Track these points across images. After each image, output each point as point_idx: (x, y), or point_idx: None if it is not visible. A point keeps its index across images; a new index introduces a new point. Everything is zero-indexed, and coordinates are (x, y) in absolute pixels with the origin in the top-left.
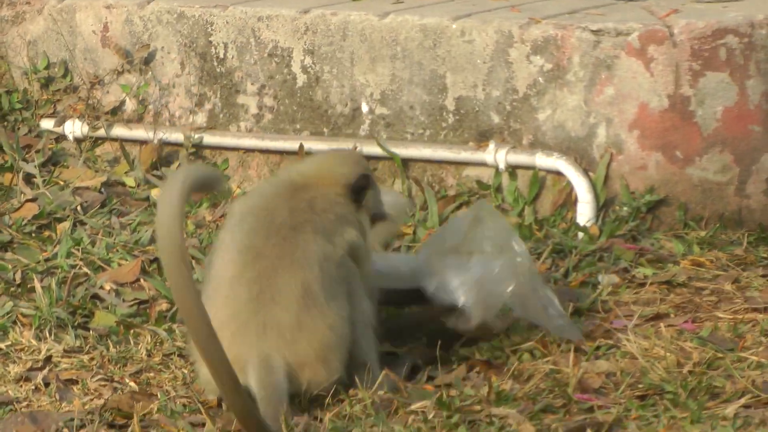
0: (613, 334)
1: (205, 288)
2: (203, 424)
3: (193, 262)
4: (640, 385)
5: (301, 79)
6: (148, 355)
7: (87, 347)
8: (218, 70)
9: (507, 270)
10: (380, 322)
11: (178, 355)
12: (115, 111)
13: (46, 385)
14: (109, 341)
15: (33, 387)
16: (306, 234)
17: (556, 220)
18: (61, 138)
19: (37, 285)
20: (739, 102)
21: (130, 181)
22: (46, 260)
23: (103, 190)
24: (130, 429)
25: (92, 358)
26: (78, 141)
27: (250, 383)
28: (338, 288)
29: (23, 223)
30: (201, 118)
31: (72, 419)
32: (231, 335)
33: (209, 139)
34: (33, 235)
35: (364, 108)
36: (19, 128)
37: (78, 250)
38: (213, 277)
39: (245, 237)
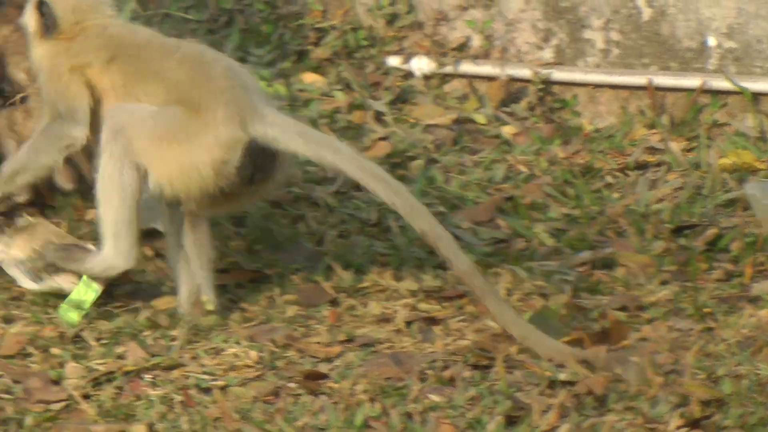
0: None
1: None
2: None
3: (549, 198)
4: None
5: (647, 13)
6: (508, 294)
7: (447, 287)
8: (563, 4)
9: None
10: None
11: (539, 294)
12: (462, 47)
13: (408, 325)
14: None
15: (394, 328)
16: None
17: None
18: (408, 75)
19: (394, 223)
20: None
21: (480, 118)
22: None
23: (453, 127)
24: (493, 369)
25: (452, 298)
26: (425, 78)
27: None
28: None
29: (376, 161)
30: (547, 54)
31: (435, 360)
32: None
33: (557, 75)
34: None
35: (711, 42)
36: (366, 66)
37: (432, 188)
38: None
39: None
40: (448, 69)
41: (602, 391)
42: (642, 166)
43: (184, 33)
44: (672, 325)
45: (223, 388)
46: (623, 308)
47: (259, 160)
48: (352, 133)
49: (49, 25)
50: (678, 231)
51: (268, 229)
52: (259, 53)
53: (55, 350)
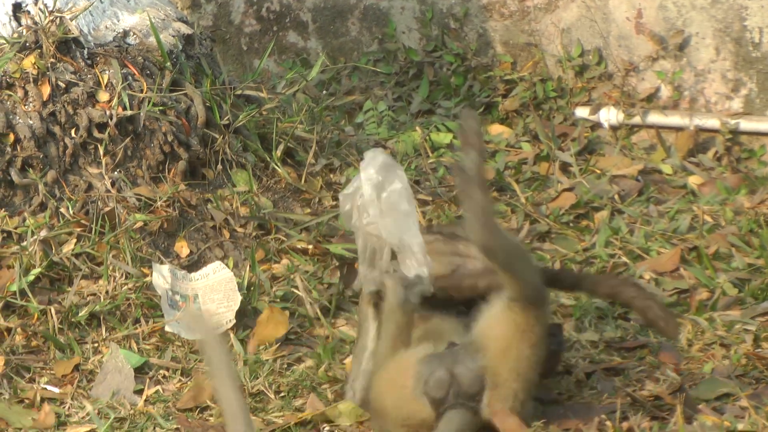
0: None
1: None
2: None
3: (732, 249)
4: None
5: None
6: (689, 345)
7: (628, 337)
8: (753, 54)
9: None
10: None
11: (720, 344)
12: (650, 98)
13: (588, 376)
14: (649, 332)
15: (574, 379)
16: None
17: None
18: (595, 126)
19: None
20: None
21: (666, 169)
22: (584, 250)
23: (639, 178)
24: (673, 420)
25: (633, 348)
26: (613, 129)
27: None
28: None
29: (560, 213)
30: (736, 104)
31: (613, 411)
32: None
33: (746, 125)
34: (570, 225)
35: None
36: (554, 117)
37: (616, 239)
38: None
39: None
40: (636, 120)
41: None
42: None
43: (373, 85)
44: None
45: None
46: None
47: None
48: (537, 184)
49: None
50: None
51: None
52: (447, 105)
53: None
